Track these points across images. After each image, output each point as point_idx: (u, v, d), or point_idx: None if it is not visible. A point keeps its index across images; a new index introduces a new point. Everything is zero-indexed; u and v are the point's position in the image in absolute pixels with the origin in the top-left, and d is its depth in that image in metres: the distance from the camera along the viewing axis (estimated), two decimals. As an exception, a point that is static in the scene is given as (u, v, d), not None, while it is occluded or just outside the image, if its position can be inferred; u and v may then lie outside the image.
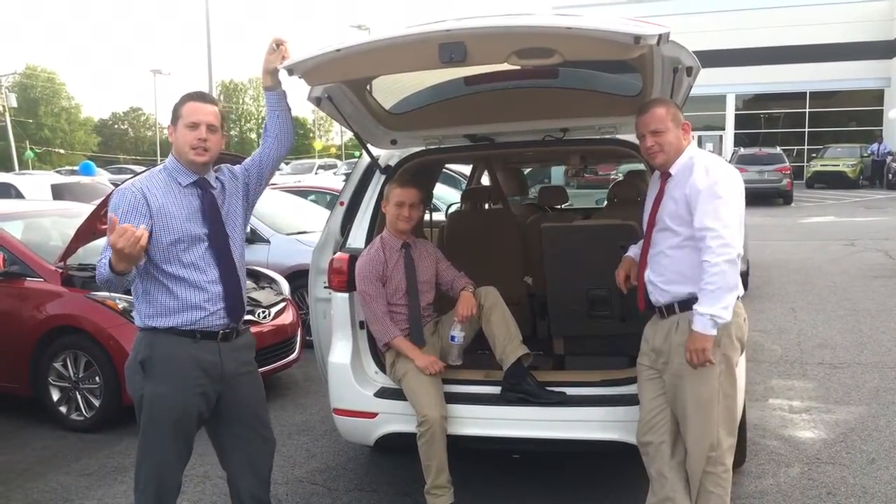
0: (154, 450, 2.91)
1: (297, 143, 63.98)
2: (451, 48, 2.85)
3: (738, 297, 3.03)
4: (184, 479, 4.19)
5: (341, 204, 4.24)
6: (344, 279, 3.87)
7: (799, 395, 5.52)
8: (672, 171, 3.09)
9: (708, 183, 2.94)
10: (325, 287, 4.07)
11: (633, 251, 3.42)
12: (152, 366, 2.87)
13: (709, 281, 2.87)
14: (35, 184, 12.21)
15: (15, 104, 44.93)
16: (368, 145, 4.15)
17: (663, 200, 3.10)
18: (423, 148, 4.20)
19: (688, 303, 3.01)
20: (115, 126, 79.50)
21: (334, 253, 4.04)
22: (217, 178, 3.03)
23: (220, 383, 2.94)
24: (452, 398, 3.70)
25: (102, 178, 17.45)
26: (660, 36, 2.75)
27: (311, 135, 65.98)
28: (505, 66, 3.30)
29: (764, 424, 4.93)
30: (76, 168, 23.42)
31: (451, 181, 11.80)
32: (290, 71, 3.05)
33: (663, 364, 3.11)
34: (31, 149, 47.46)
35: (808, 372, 6.08)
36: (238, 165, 3.15)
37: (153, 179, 2.90)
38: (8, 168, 33.79)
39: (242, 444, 3.05)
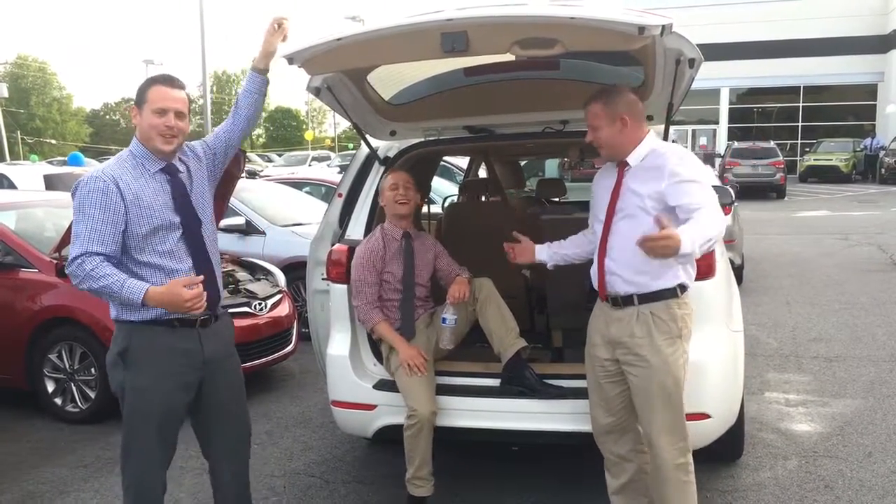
0: (137, 443, 2.87)
1: (291, 134, 63.96)
2: (453, 38, 2.83)
3: (686, 290, 3.01)
4: (181, 472, 4.25)
5: (339, 196, 4.21)
6: (342, 271, 3.85)
7: (795, 389, 5.53)
8: (630, 161, 3.03)
9: (683, 175, 2.88)
10: (324, 279, 4.05)
11: (546, 252, 3.44)
12: (132, 357, 2.83)
13: (707, 226, 2.71)
14: (27, 174, 12.11)
15: (6, 94, 44.52)
16: (367, 136, 4.12)
17: (622, 192, 3.03)
18: (423, 139, 4.17)
19: (649, 297, 2.98)
20: (107, 117, 79.02)
21: (332, 244, 4.02)
22: (181, 159, 2.95)
23: (201, 369, 2.91)
24: (451, 390, 3.68)
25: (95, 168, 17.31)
26: (663, 27, 2.73)
27: (305, 126, 65.75)
28: (506, 57, 3.29)
29: (761, 417, 4.94)
30: (66, 159, 23.33)
31: (448, 174, 11.77)
32: (290, 60, 3.02)
33: (623, 355, 3.05)
34: (31, 155, 47.16)
35: (804, 365, 6.10)
36: (199, 143, 3.07)
37: (123, 166, 2.82)
38: (-1, 159, 33.56)
39: (223, 430, 3.03)
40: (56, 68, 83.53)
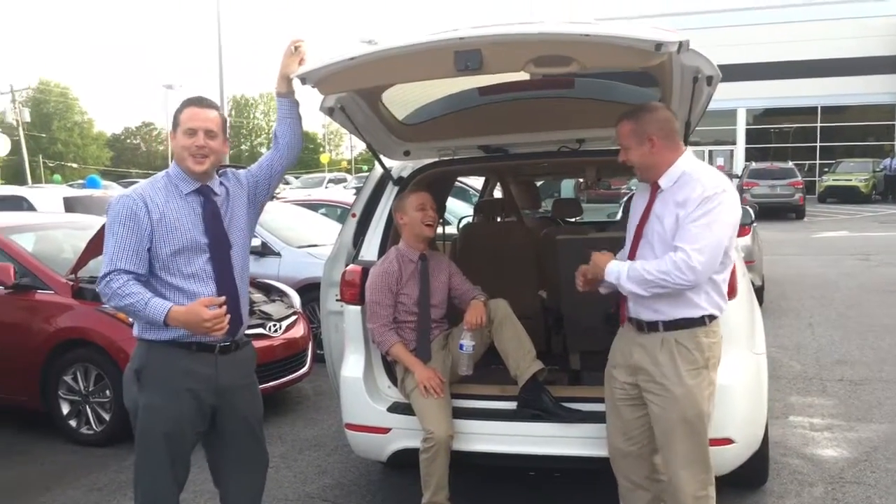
0: (147, 464, 2.83)
1: (307, 157, 64.56)
2: (467, 56, 2.80)
3: (715, 319, 2.93)
4: (195, 496, 4.20)
5: (353, 216, 4.18)
6: (356, 292, 3.81)
7: (819, 413, 5.40)
8: (661, 184, 2.94)
9: (703, 205, 2.79)
10: (338, 300, 4.01)
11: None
12: (146, 376, 2.81)
13: (648, 268, 2.80)
14: (47, 196, 12.20)
15: (28, 119, 45.26)
16: (381, 156, 4.10)
17: (650, 217, 2.97)
18: (437, 159, 4.15)
19: (674, 324, 2.90)
20: (128, 141, 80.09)
21: (347, 265, 3.98)
22: (221, 182, 2.95)
23: (215, 397, 2.86)
24: (468, 413, 3.62)
25: (115, 191, 17.47)
26: (680, 43, 2.70)
27: (322, 149, 66.24)
28: (521, 76, 3.27)
29: (785, 442, 4.82)
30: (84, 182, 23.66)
31: (463, 194, 11.75)
32: (304, 80, 3.01)
33: (645, 382, 2.97)
34: (54, 175, 48.19)
35: (828, 388, 5.97)
36: (243, 171, 3.09)
37: (155, 186, 2.84)
38: (21, 182, 34.04)
39: (236, 461, 2.97)
40: (78, 93, 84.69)
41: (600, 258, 3.02)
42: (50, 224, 6.80)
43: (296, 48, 3.03)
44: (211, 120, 2.84)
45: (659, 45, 2.63)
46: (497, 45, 2.80)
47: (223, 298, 2.76)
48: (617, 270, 2.91)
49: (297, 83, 3.06)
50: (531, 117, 3.94)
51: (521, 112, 3.92)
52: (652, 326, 2.96)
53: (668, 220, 2.88)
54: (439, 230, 5.52)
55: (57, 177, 44.68)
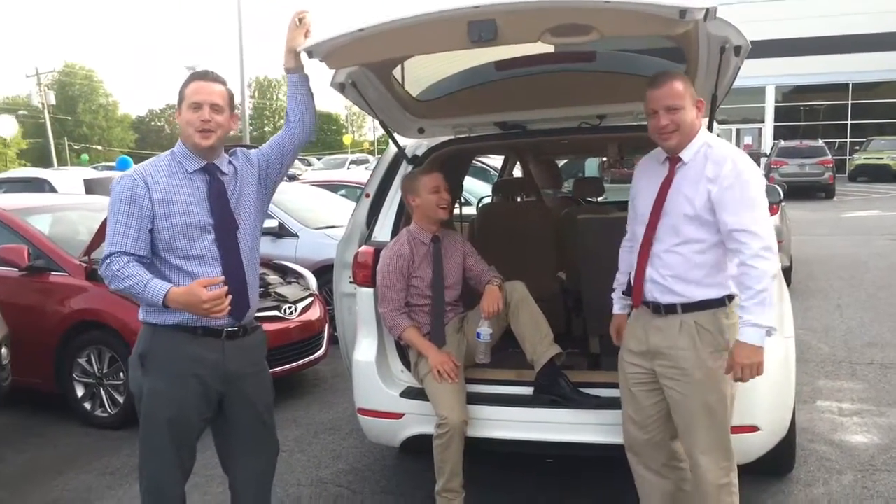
0: (152, 450, 2.77)
1: (330, 138, 64.53)
2: (481, 26, 2.66)
3: (735, 298, 2.78)
4: (208, 480, 4.15)
5: (367, 196, 4.08)
6: (369, 273, 3.71)
7: (849, 397, 5.24)
8: (683, 156, 2.79)
9: (739, 179, 2.68)
10: (350, 282, 3.91)
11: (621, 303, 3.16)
12: (150, 360, 2.73)
13: (758, 289, 2.60)
14: (68, 178, 12.24)
15: (53, 101, 45.70)
16: (395, 134, 3.98)
17: (671, 193, 2.80)
18: (452, 137, 4.02)
19: (694, 306, 2.76)
20: (152, 123, 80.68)
21: (360, 246, 3.88)
22: (230, 161, 2.84)
23: (223, 383, 2.78)
24: (483, 399, 3.52)
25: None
26: (707, 10, 2.54)
27: (344, 130, 66.21)
28: (539, 49, 3.12)
29: (812, 428, 4.67)
30: (113, 164, 23.82)
31: (482, 174, 11.59)
32: (310, 53, 2.88)
33: (663, 367, 2.84)
34: (82, 155, 48.87)
35: (858, 372, 5.79)
36: (254, 150, 2.97)
37: (158, 165, 2.74)
38: (47, 165, 34.38)
39: (244, 448, 2.90)
40: (102, 76, 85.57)
41: (741, 355, 2.66)
42: (66, 205, 6.76)
43: (300, 20, 2.89)
44: (216, 93, 2.72)
45: (683, 12, 2.48)
46: (512, 14, 2.66)
47: (222, 278, 2.66)
48: (754, 329, 2.63)
49: (304, 57, 2.94)
50: (550, 93, 3.79)
51: (539, 87, 3.78)
52: (669, 309, 2.82)
53: (699, 198, 2.73)
54: (456, 210, 5.41)
55: (84, 156, 45.15)
